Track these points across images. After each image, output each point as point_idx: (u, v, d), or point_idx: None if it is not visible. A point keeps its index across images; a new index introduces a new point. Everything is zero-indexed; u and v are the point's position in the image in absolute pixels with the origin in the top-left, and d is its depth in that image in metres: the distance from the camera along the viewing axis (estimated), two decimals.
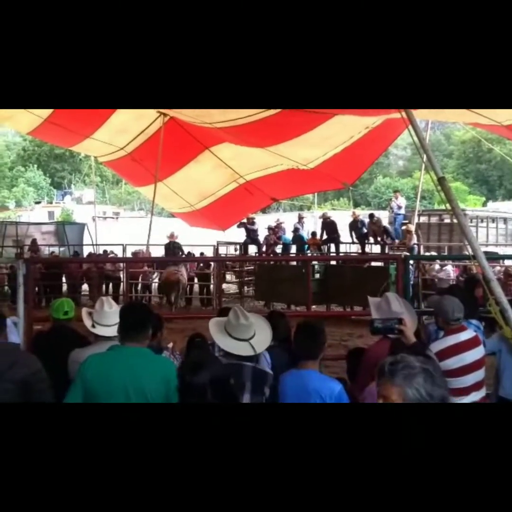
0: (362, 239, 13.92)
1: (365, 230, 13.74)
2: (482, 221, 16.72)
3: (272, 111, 7.43)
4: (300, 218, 15.95)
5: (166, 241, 15.02)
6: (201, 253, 16.03)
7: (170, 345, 3.70)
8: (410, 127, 4.68)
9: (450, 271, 11.87)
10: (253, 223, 15.31)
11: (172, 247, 14.52)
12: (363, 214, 15.74)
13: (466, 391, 3.42)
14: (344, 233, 15.11)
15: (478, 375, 3.48)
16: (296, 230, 15.13)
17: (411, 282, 10.78)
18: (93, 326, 3.49)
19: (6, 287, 13.03)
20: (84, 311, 3.68)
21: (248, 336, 3.05)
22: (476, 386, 3.48)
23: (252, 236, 15.28)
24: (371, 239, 13.93)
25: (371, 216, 14.01)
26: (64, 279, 15.25)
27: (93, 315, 3.55)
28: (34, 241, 17.87)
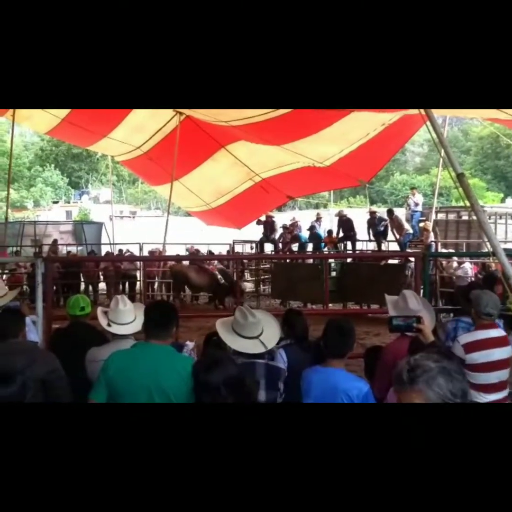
0: (379, 237, 13.80)
1: (382, 228, 13.60)
2: (500, 218, 16.49)
3: (287, 109, 7.42)
4: (318, 217, 15.90)
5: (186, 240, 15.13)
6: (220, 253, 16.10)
7: (191, 344, 3.69)
8: (428, 123, 4.64)
9: (468, 268, 11.75)
10: (273, 221, 15.31)
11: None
12: (380, 211, 15.59)
13: (488, 388, 3.41)
14: (361, 231, 15.03)
15: (502, 374, 3.46)
16: (312, 228, 15.07)
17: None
18: (108, 324, 3.50)
19: (25, 286, 13.15)
20: (100, 310, 3.69)
21: (256, 333, 3.05)
22: (499, 385, 3.47)
23: (269, 234, 15.27)
24: (390, 236, 13.79)
25: (390, 211, 13.86)
26: (82, 278, 15.36)
27: (108, 313, 3.56)
28: (54, 241, 18.05)
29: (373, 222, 13.69)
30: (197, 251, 16.84)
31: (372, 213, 13.97)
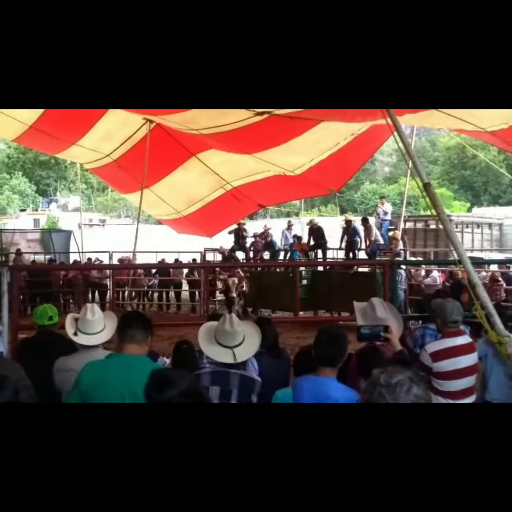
0: (351, 245, 13.77)
1: (358, 238, 13.50)
2: (467, 227, 16.85)
3: (258, 118, 7.46)
4: (289, 225, 16.00)
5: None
6: (194, 260, 15.96)
7: (167, 360, 3.63)
8: (395, 133, 4.72)
9: (437, 277, 11.94)
10: (244, 230, 15.32)
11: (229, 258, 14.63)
12: (353, 219, 15.65)
13: (456, 395, 3.44)
14: (332, 239, 15.13)
15: (470, 381, 3.51)
16: (286, 238, 15.30)
17: (403, 287, 10.84)
18: (75, 333, 3.44)
19: None
20: (69, 316, 3.63)
21: (233, 344, 3.01)
22: (467, 391, 3.50)
23: (241, 243, 15.27)
24: (362, 245, 13.82)
25: (365, 219, 13.91)
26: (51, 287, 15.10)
27: (78, 322, 3.50)
28: (18, 250, 17.73)
29: (348, 231, 13.69)
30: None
31: (348, 222, 13.97)
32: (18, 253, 17.12)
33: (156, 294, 15.75)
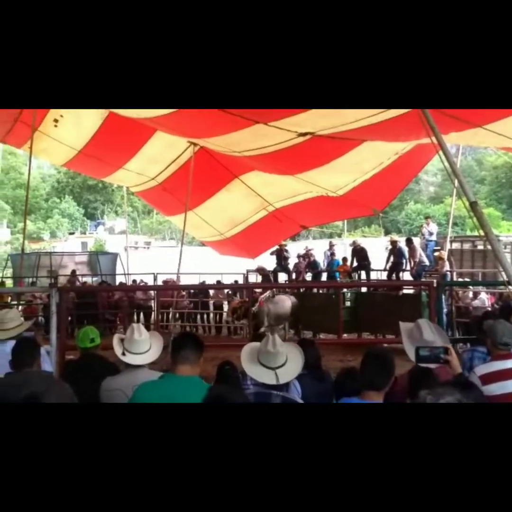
0: (396, 267, 13.56)
1: (404, 260, 13.31)
2: None
3: (301, 139, 7.49)
4: (331, 245, 15.88)
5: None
6: (236, 281, 16.00)
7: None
8: (440, 152, 4.65)
9: (485, 299, 11.63)
10: (286, 251, 15.31)
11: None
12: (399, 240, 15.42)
13: None
14: (375, 260, 14.95)
15: None
16: (332, 255, 15.18)
17: (445, 310, 10.59)
18: (123, 353, 3.48)
19: (40, 317, 13.21)
20: (116, 337, 3.67)
21: (275, 365, 2.98)
22: None
23: (283, 264, 15.25)
24: (407, 266, 13.60)
25: (409, 240, 13.72)
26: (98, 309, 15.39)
27: (124, 342, 3.54)
28: (73, 271, 18.18)
29: (394, 252, 13.50)
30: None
31: (394, 242, 13.80)
32: (73, 274, 17.57)
33: (198, 316, 15.84)
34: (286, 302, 12.25)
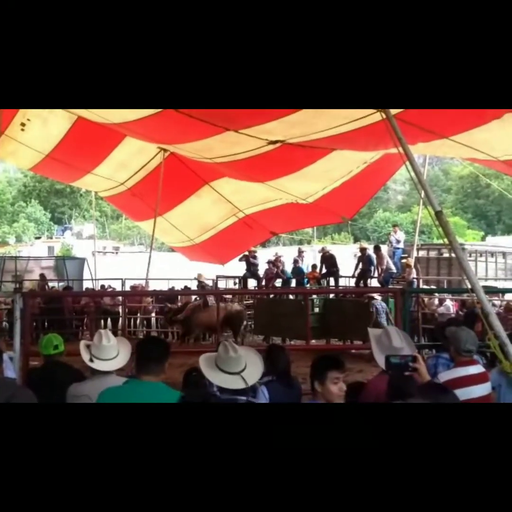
0: (365, 274, 13.71)
1: (372, 267, 13.46)
2: (481, 256, 16.72)
3: (271, 146, 7.53)
4: (300, 252, 15.96)
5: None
6: (202, 287, 15.93)
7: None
8: (407, 162, 4.74)
9: (450, 306, 11.83)
10: (255, 257, 15.32)
11: (199, 287, 14.48)
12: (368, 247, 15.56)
13: None
14: (344, 267, 15.08)
15: None
16: (295, 262, 15.11)
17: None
18: (91, 360, 3.44)
19: (4, 323, 12.94)
20: (82, 343, 3.63)
21: (238, 369, 3.00)
22: None
23: (252, 270, 15.26)
24: (375, 273, 13.76)
25: (377, 248, 13.88)
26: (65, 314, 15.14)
27: (91, 348, 3.50)
28: (42, 275, 17.87)
29: (363, 259, 13.64)
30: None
31: (363, 250, 13.96)
32: (43, 278, 17.25)
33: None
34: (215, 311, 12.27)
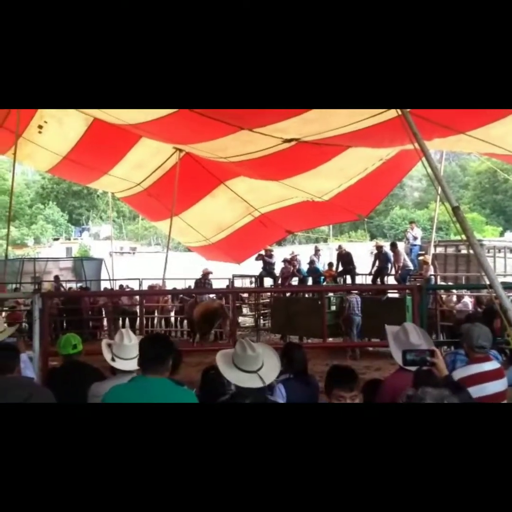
0: (382, 271, 13.62)
1: (389, 264, 13.40)
2: (499, 251, 16.50)
3: (286, 145, 7.52)
4: (317, 250, 15.90)
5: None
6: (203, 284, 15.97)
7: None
8: (423, 158, 4.70)
9: (468, 302, 11.72)
10: (271, 256, 15.31)
11: (204, 283, 14.51)
12: (384, 244, 15.44)
13: None
14: (360, 265, 15.00)
15: None
16: (311, 263, 15.06)
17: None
18: (112, 359, 3.45)
19: (24, 324, 13.08)
20: (104, 342, 3.64)
21: (256, 368, 3.00)
22: None
23: (268, 269, 15.25)
24: (392, 271, 13.66)
25: (393, 245, 13.79)
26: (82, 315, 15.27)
27: (112, 347, 3.52)
28: (56, 277, 18.04)
29: (379, 257, 13.57)
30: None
31: (379, 247, 13.88)
32: (57, 280, 17.42)
33: (185, 321, 15.79)
34: (196, 308, 12.63)
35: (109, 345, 3.53)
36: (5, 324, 4.64)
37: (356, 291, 12.52)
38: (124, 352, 3.41)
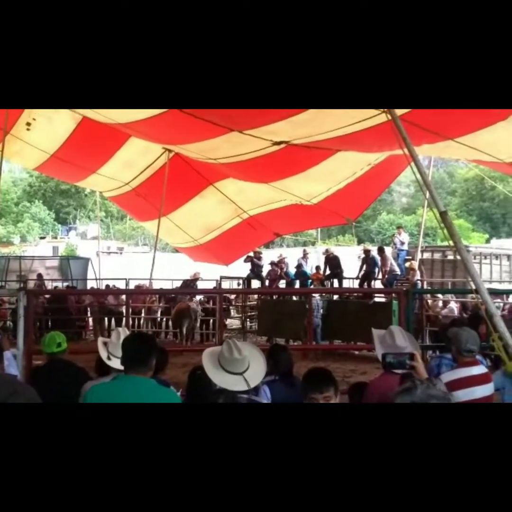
0: (369, 275, 13.70)
1: (376, 269, 13.48)
2: (485, 258, 16.64)
3: (275, 147, 7.53)
4: (305, 254, 15.94)
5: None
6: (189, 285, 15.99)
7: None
8: (412, 163, 4.73)
9: (454, 308, 11.80)
10: (259, 258, 15.32)
11: (191, 285, 14.65)
12: (372, 249, 15.53)
13: None
14: (348, 269, 15.05)
15: None
16: (299, 266, 15.08)
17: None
18: (108, 358, 3.43)
19: (8, 322, 12.98)
20: (100, 340, 3.62)
21: (241, 370, 2.99)
22: None
23: (256, 271, 15.26)
24: (379, 275, 13.74)
25: (381, 249, 13.87)
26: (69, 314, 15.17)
27: (108, 346, 3.49)
28: (39, 275, 17.91)
29: (367, 261, 13.65)
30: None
31: (367, 251, 13.96)
32: (40, 278, 17.28)
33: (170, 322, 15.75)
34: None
35: (105, 344, 3.50)
36: None
37: (321, 294, 12.80)
38: (120, 350, 3.39)
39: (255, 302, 15.31)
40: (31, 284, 16.77)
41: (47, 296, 14.53)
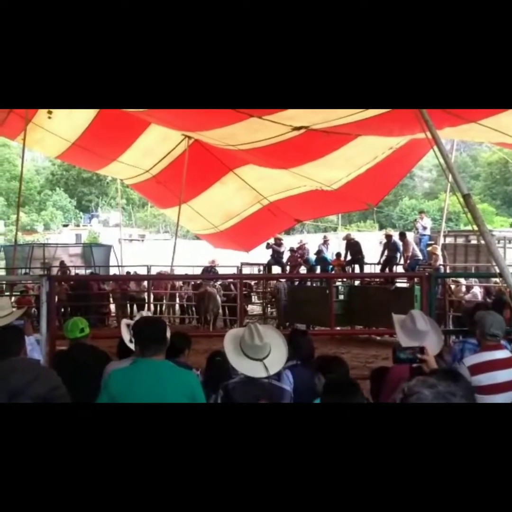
0: (390, 261, 13.60)
1: (398, 254, 13.38)
2: (509, 242, 16.40)
3: (295, 133, 7.47)
4: (325, 240, 15.86)
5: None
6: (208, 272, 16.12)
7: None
8: (435, 147, 4.64)
9: (478, 293, 11.67)
10: (280, 244, 15.30)
11: (210, 270, 14.89)
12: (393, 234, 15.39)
13: None
14: (369, 254, 14.95)
15: (508, 397, 3.38)
16: (319, 252, 15.03)
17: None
18: (130, 340, 3.46)
19: (33, 309, 13.18)
20: (124, 322, 3.66)
21: (262, 356, 2.98)
22: None
23: (276, 257, 15.25)
24: (401, 260, 13.62)
25: (402, 234, 13.75)
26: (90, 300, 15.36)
27: (130, 329, 3.51)
28: (62, 262, 18.13)
29: (388, 246, 13.54)
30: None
31: (388, 237, 13.85)
32: (63, 266, 17.49)
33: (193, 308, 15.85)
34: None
35: (129, 326, 3.53)
36: (12, 307, 4.68)
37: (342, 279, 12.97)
38: None
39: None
40: (54, 272, 16.99)
41: (71, 283, 14.72)
